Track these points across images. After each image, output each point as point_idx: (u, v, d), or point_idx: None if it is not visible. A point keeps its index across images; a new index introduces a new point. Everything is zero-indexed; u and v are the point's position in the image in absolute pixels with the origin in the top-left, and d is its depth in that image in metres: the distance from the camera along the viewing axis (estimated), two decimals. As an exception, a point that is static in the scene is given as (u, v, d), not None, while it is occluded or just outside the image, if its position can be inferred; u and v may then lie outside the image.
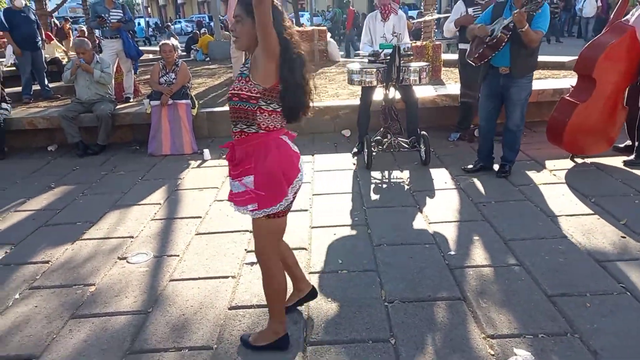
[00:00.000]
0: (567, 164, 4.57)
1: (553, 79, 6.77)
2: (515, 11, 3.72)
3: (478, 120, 4.82)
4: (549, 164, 4.58)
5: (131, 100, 6.87)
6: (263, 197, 2.00)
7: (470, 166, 4.49)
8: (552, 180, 4.22)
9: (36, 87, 7.73)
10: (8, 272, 3.17)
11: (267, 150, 1.99)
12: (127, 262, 3.22)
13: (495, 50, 3.92)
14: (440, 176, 4.46)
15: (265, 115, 1.97)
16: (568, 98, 4.54)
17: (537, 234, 3.28)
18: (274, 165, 1.98)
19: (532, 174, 4.38)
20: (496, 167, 4.45)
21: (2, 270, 3.20)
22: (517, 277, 2.79)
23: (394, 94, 4.72)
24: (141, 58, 8.02)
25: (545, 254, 3.02)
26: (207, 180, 4.69)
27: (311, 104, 2.08)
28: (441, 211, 3.72)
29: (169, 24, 32.07)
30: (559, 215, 3.53)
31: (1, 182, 4.97)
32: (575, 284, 2.69)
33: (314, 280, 2.85)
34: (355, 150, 5.22)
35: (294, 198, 2.14)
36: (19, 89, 7.52)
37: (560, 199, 3.82)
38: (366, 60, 4.91)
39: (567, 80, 6.09)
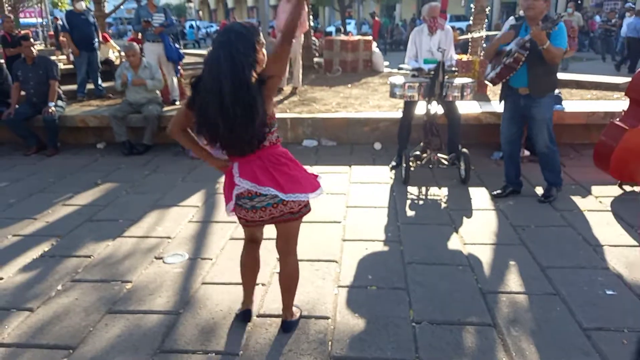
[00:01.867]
0: (615, 191, 4.39)
1: (605, 101, 6.53)
2: (533, 28, 3.64)
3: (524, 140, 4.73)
4: (595, 189, 4.42)
5: (177, 102, 7.08)
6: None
7: (499, 191, 4.30)
8: (597, 207, 4.06)
9: (90, 86, 8.10)
10: (53, 263, 3.34)
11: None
12: (163, 262, 3.32)
13: (512, 70, 3.82)
14: (480, 196, 4.37)
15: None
16: (617, 122, 4.37)
17: (577, 263, 3.17)
18: None
19: (576, 199, 4.23)
20: (539, 190, 4.32)
21: (48, 261, 3.37)
22: (552, 307, 2.70)
23: (436, 109, 4.68)
24: (188, 61, 8.23)
25: (583, 284, 2.91)
26: (245, 186, 4.76)
27: None
28: (477, 232, 3.65)
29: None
30: (601, 245, 3.40)
31: (52, 176, 5.23)
32: (612, 319, 2.58)
33: (342, 294, 2.86)
34: (393, 163, 5.19)
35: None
36: (74, 86, 7.91)
37: (604, 227, 3.68)
38: (410, 74, 4.90)
39: (620, 103, 5.86)
